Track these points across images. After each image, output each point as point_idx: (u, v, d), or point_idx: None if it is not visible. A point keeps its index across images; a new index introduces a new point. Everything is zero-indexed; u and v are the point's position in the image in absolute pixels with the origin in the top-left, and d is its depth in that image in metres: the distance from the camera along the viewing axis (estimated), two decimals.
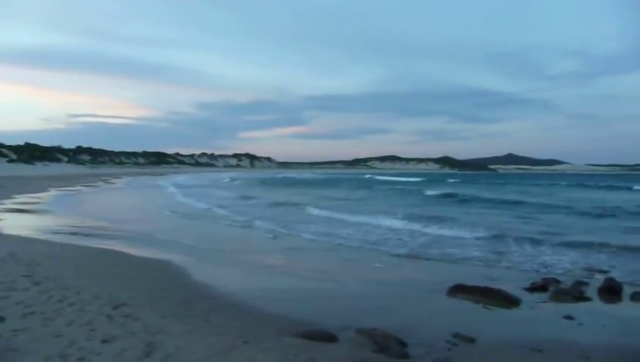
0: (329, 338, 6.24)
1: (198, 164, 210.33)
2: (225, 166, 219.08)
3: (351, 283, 9.91)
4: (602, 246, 14.33)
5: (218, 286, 9.06)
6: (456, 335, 6.61)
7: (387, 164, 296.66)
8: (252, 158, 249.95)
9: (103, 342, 5.55)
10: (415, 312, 7.88)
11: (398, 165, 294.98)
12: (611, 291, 9.42)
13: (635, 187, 54.73)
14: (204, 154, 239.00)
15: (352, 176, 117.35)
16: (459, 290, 9.05)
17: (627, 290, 9.47)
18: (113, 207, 26.79)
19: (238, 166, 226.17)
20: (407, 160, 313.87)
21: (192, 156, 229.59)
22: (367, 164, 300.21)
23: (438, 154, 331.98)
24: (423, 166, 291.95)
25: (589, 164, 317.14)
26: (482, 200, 34.01)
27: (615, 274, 10.65)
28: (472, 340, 6.52)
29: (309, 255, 13.18)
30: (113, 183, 55.83)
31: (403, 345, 6.11)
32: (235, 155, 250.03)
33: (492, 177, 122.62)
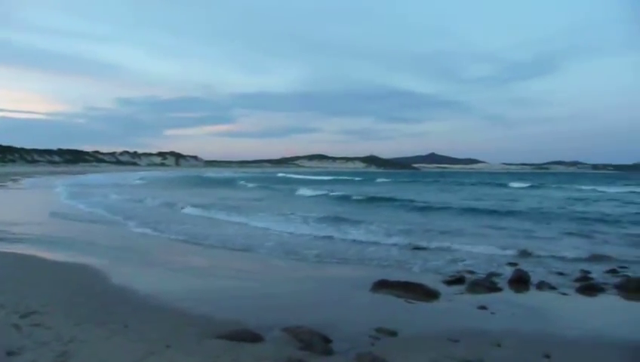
0: (254, 338, 6.19)
1: (119, 163, 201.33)
2: (149, 165, 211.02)
3: (276, 282, 9.91)
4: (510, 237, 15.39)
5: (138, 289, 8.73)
6: (379, 330, 6.79)
7: (315, 163, 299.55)
8: (177, 157, 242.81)
9: (9, 354, 5.16)
10: (340, 308, 8.02)
11: (325, 164, 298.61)
12: (520, 281, 10.12)
13: (512, 184, 60.75)
14: (125, 152, 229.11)
15: (266, 175, 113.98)
16: (382, 286, 9.31)
17: (534, 280, 10.22)
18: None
19: (162, 165, 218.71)
20: (335, 159, 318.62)
21: (112, 154, 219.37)
22: (296, 162, 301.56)
23: (364, 153, 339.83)
24: (350, 165, 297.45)
25: (503, 163, 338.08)
26: (379, 200, 33.73)
27: (523, 266, 11.47)
28: (393, 333, 6.73)
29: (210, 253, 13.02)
30: (20, 184, 51.61)
31: (327, 341, 6.19)
32: (160, 154, 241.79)
33: (407, 175, 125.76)
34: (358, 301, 8.60)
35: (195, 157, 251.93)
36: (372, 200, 33.67)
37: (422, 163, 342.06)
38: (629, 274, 10.94)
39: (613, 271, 11.41)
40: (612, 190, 48.82)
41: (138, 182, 62.35)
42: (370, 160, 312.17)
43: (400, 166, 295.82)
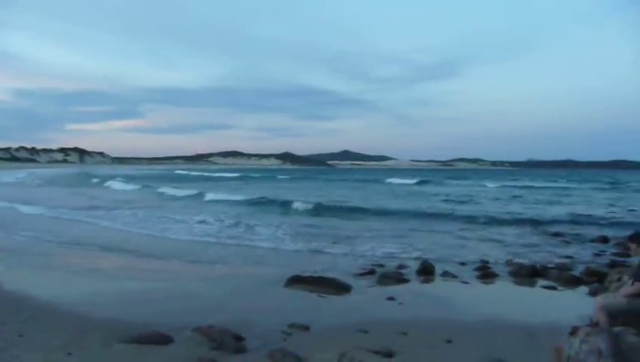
0: (163, 340, 6.00)
1: (14, 159, 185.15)
2: (49, 161, 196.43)
3: (187, 283, 9.66)
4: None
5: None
6: (291, 325, 6.85)
7: (229, 160, 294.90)
8: (82, 153, 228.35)
9: None
10: (253, 306, 7.99)
11: (240, 161, 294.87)
12: (426, 272, 10.69)
13: (387, 180, 63.67)
14: (22, 148, 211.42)
15: (164, 172, 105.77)
16: (295, 281, 9.41)
17: (438, 270, 10.84)
18: None
19: (65, 161, 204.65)
20: (250, 156, 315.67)
21: (7, 150, 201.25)
22: (209, 159, 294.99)
23: (279, 150, 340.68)
24: (265, 162, 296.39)
25: (412, 160, 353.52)
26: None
27: (426, 256, 12.14)
28: (306, 328, 6.82)
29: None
30: None
31: (240, 339, 6.15)
32: (62, 150, 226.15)
33: (313, 173, 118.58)
34: (271, 297, 8.62)
35: (101, 154, 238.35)
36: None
37: (336, 160, 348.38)
38: (523, 261, 11.95)
39: (507, 259, 12.41)
40: (491, 185, 53.38)
41: (18, 181, 55.63)
42: (285, 157, 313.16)
43: (314, 163, 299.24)
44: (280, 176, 79.87)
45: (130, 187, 44.63)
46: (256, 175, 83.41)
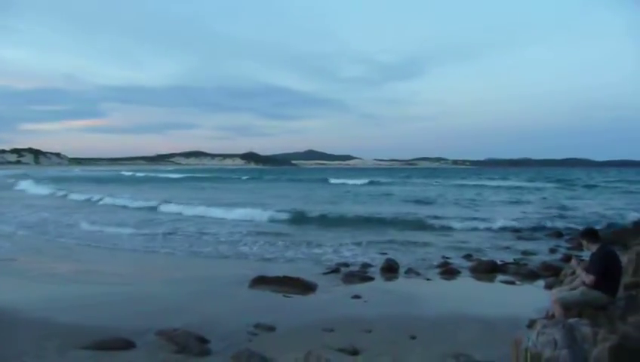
0: (124, 345, 5.86)
1: None
2: (1, 163, 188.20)
3: (150, 284, 9.48)
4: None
5: None
6: (257, 326, 6.82)
7: (192, 160, 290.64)
8: (36, 154, 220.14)
9: None
10: (217, 307, 7.90)
11: (203, 161, 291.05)
12: (390, 270, 10.84)
13: (332, 180, 62.32)
14: None
15: (111, 173, 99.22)
16: (260, 282, 9.36)
17: (402, 268, 11.00)
18: None
19: (18, 163, 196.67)
20: (213, 156, 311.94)
21: None
22: (172, 160, 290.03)
23: (243, 150, 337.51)
24: (228, 162, 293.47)
25: (376, 159, 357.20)
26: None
27: (391, 255, 12.30)
28: (272, 328, 6.80)
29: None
30: None
31: (204, 341, 6.07)
32: (15, 150, 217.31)
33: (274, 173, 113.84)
34: (236, 298, 8.55)
35: (57, 155, 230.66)
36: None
37: (300, 160, 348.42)
38: (481, 258, 12.27)
39: (468, 256, 12.72)
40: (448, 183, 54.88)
41: None
42: (250, 157, 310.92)
43: (279, 163, 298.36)
44: (225, 176, 77.85)
45: (40, 191, 40.29)
46: (204, 175, 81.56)
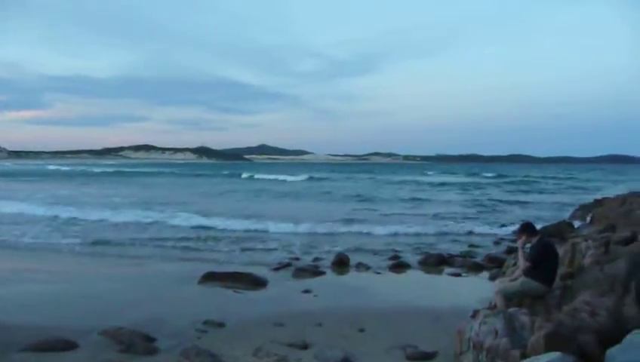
0: (66, 346, 5.64)
1: None
2: None
3: (95, 282, 9.15)
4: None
5: None
6: (206, 322, 6.73)
7: (142, 154, 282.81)
8: None
9: None
10: (166, 304, 7.73)
11: (153, 155, 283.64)
12: (341, 264, 10.95)
13: (242, 175, 60.72)
14: None
15: (34, 167, 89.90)
16: (210, 278, 9.23)
17: (353, 262, 11.14)
18: None
19: None
20: (164, 150, 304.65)
21: None
22: (120, 153, 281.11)
23: (195, 144, 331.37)
24: (179, 156, 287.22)
25: (329, 154, 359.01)
26: None
27: (340, 249, 12.42)
28: (221, 325, 6.73)
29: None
30: None
31: (151, 340, 5.93)
32: None
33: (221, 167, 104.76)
34: (185, 295, 8.40)
35: None
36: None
37: (253, 154, 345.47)
38: (430, 251, 12.59)
39: (417, 249, 13.03)
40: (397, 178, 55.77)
41: None
42: (202, 151, 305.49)
43: (232, 157, 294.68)
44: (154, 171, 74.34)
45: None
46: (141, 170, 78.18)
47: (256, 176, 59.47)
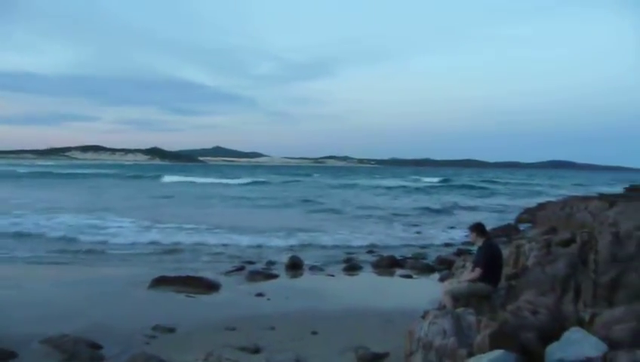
0: (4, 356, 5.36)
1: None
2: None
3: (37, 288, 8.74)
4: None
5: None
6: (155, 328, 6.56)
7: (90, 155, 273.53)
8: None
9: None
10: (113, 310, 7.49)
11: (103, 156, 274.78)
12: (295, 267, 10.96)
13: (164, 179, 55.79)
14: None
15: None
16: (161, 282, 9.02)
17: (306, 264, 11.17)
18: None
19: None
20: (114, 150, 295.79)
21: None
22: (66, 154, 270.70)
23: (147, 145, 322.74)
24: (130, 157, 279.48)
25: (284, 157, 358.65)
26: None
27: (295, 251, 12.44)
28: (172, 330, 6.58)
29: None
30: None
31: (97, 347, 5.73)
32: None
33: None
34: (134, 300, 8.16)
35: None
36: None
37: (208, 156, 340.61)
38: (383, 254, 12.78)
39: (371, 252, 13.21)
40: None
41: None
42: (154, 152, 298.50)
43: (185, 159, 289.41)
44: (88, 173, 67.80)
45: None
46: (64, 171, 71.09)
47: (190, 180, 54.37)
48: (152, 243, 13.63)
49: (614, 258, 5.35)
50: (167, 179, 56.40)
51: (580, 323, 4.51)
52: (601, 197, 16.53)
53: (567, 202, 17.21)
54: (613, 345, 3.89)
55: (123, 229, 15.63)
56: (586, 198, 17.47)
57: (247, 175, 70.35)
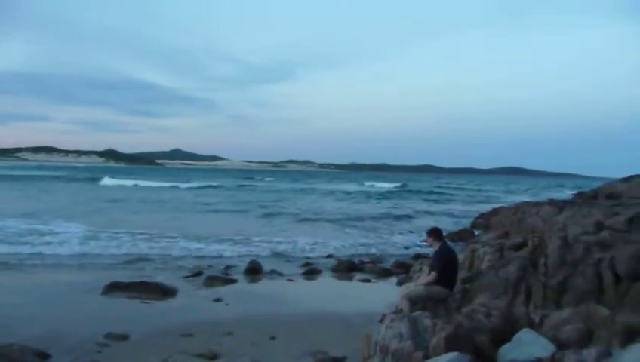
0: None
1: None
2: None
3: None
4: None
5: None
6: (107, 335, 6.35)
7: (42, 156, 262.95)
8: None
9: None
10: (64, 317, 7.21)
11: (55, 157, 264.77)
12: (253, 271, 10.86)
13: (103, 181, 52.84)
14: None
15: None
16: (115, 288, 8.75)
17: (266, 269, 11.09)
18: None
19: None
20: (67, 152, 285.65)
21: None
22: (16, 155, 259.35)
23: (102, 146, 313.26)
24: (84, 159, 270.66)
25: (244, 161, 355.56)
26: None
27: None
28: (125, 337, 6.39)
29: None
30: None
31: (45, 356, 5.50)
32: None
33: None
34: (86, 307, 7.88)
35: None
36: None
37: (166, 159, 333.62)
38: (341, 258, 12.85)
39: (330, 256, 13.26)
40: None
41: None
42: (109, 154, 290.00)
43: (142, 161, 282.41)
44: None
45: None
46: (17, 173, 68.00)
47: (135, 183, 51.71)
48: (100, 248, 13.20)
49: (563, 261, 5.56)
50: (108, 182, 53.12)
51: (531, 325, 4.67)
52: (551, 202, 17.11)
53: (520, 207, 17.76)
54: (561, 345, 4.05)
55: (67, 235, 14.94)
56: (537, 204, 18.06)
57: (199, 179, 68.23)
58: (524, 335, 4.25)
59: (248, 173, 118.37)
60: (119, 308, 7.92)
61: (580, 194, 23.02)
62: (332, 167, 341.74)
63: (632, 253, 4.96)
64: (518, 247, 7.11)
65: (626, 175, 21.32)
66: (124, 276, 9.71)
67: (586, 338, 4.14)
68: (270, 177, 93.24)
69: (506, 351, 4.13)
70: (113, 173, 76.42)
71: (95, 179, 56.81)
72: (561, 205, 14.57)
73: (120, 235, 15.17)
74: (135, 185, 49.87)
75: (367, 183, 74.37)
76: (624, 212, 7.20)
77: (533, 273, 5.75)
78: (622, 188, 19.40)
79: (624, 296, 4.80)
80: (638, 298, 4.57)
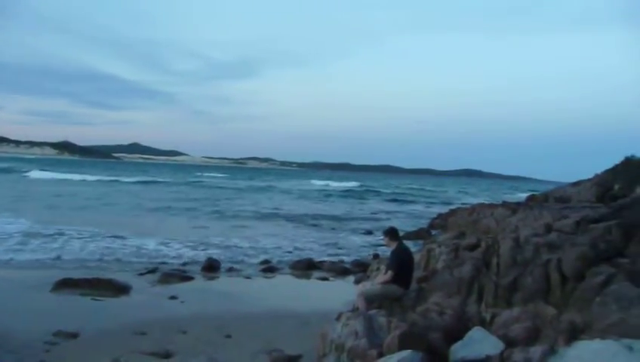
0: None
1: None
2: None
3: None
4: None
5: None
6: (56, 334, 6.14)
7: None
8: None
9: None
10: (10, 315, 6.91)
11: (5, 148, 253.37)
12: (211, 268, 10.73)
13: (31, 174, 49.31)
14: None
15: None
16: (65, 285, 8.46)
17: (224, 266, 10.98)
18: None
19: None
20: (18, 143, 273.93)
21: None
22: None
23: (57, 138, 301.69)
24: (37, 150, 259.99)
25: (205, 157, 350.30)
26: None
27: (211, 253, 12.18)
28: (74, 335, 6.19)
29: None
30: None
31: None
32: None
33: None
34: (34, 304, 7.57)
35: None
36: None
37: (123, 153, 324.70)
38: (300, 256, 12.87)
39: (288, 254, 13.25)
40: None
41: None
42: (64, 146, 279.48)
43: (99, 154, 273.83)
44: None
45: None
46: None
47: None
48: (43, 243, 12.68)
49: (514, 262, 5.75)
50: (36, 175, 48.94)
51: (482, 323, 4.80)
52: (505, 204, 17.71)
53: (475, 208, 18.31)
54: (510, 343, 4.18)
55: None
56: (491, 205, 18.67)
57: (140, 174, 64.82)
58: (475, 333, 4.37)
59: (206, 170, 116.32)
60: (70, 306, 7.67)
61: (532, 197, 23.83)
62: (293, 165, 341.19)
63: (578, 255, 5.18)
64: (473, 248, 7.29)
65: (575, 179, 22.26)
66: (73, 272, 9.41)
67: (533, 336, 4.28)
68: (222, 173, 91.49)
69: (457, 348, 4.23)
70: (46, 165, 71.86)
71: (23, 172, 52.48)
72: (514, 207, 15.13)
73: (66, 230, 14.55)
74: (67, 180, 45.57)
75: (330, 182, 74.65)
76: (572, 215, 7.51)
77: (486, 273, 5.91)
78: (571, 192, 20.28)
79: (570, 296, 5.00)
80: (582, 298, 4.77)
